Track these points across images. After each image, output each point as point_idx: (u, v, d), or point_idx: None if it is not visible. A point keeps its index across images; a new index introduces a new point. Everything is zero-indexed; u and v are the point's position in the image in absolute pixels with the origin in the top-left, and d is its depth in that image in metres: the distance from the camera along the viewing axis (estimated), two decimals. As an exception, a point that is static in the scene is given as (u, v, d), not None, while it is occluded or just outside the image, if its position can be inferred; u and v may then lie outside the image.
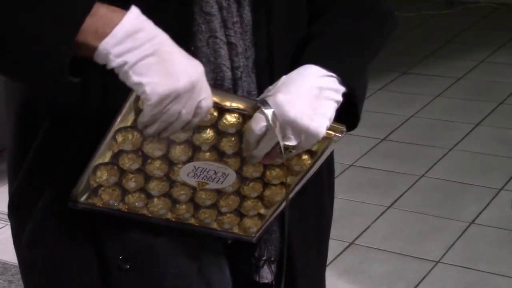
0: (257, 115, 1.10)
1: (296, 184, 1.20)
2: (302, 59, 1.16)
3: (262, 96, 1.12)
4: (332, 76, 1.14)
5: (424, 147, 3.75)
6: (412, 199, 3.28)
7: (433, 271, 2.79)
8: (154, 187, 1.14)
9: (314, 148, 1.16)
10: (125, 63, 1.00)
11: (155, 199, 1.15)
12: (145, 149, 1.10)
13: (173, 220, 1.19)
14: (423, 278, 2.75)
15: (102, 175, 1.11)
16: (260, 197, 1.20)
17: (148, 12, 1.06)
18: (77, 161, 1.13)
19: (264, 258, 1.27)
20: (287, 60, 1.19)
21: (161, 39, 1.01)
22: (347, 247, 2.95)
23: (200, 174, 1.13)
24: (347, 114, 1.18)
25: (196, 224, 1.20)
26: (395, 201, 3.26)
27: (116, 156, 1.10)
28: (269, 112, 1.09)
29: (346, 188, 3.27)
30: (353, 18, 1.22)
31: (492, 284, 2.71)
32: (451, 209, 3.18)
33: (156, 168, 1.12)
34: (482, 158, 3.61)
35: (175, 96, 1.00)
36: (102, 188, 1.13)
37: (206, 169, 1.13)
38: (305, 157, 1.16)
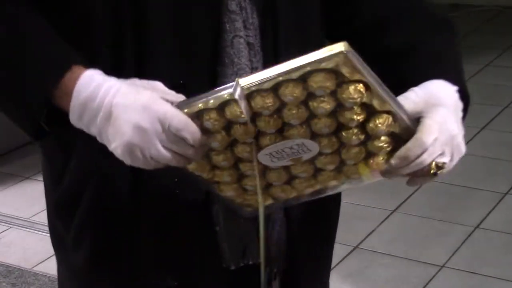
0: (428, 125, 1.06)
1: (333, 188, 1.17)
2: (424, 75, 1.13)
3: (406, 97, 1.08)
4: (458, 92, 1.14)
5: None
6: (417, 203, 3.27)
7: (437, 276, 2.78)
8: (247, 182, 1.13)
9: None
10: (95, 135, 1.05)
11: (273, 188, 1.15)
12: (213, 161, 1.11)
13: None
14: (428, 283, 2.74)
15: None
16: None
17: (181, 12, 1.06)
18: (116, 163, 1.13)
19: (275, 270, 1.25)
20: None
21: (110, 97, 1.03)
22: (352, 251, 2.94)
23: (281, 155, 1.09)
24: None
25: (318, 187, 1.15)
26: (400, 205, 3.26)
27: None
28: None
29: (351, 192, 3.24)
30: (429, 29, 1.21)
31: (497, 289, 2.70)
32: (456, 213, 3.17)
33: (230, 174, 1.12)
34: (487, 162, 3.60)
35: (133, 148, 1.02)
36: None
37: (279, 150, 1.08)
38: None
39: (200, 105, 1.03)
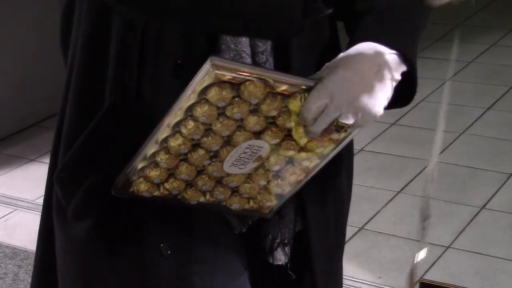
0: (315, 92, 1.08)
1: (314, 168, 1.20)
2: (359, 37, 1.13)
3: (318, 73, 1.10)
4: (393, 53, 1.11)
5: (434, 132, 3.72)
6: (422, 184, 3.26)
7: (443, 256, 2.78)
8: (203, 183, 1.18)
9: (335, 136, 1.15)
10: None
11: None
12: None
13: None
14: (434, 263, 2.74)
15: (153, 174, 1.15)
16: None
17: None
18: (127, 149, 1.15)
19: (278, 240, 1.27)
20: (304, 44, 1.18)
21: None
22: (357, 232, 2.94)
23: (243, 161, 1.14)
24: (402, 88, 1.14)
25: (210, 200, 1.20)
26: (405, 186, 3.25)
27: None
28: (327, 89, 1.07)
29: (356, 173, 3.24)
30: None
31: (502, 269, 2.70)
32: (462, 194, 3.17)
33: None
34: (493, 143, 3.59)
35: None
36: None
37: (237, 158, 1.13)
38: (325, 140, 1.15)
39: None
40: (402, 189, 3.23)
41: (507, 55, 4.60)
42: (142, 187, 1.15)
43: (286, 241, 1.27)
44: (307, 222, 1.26)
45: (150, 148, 1.12)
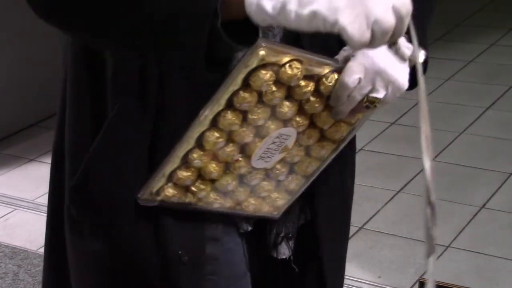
0: (350, 67, 1.10)
1: (328, 158, 1.21)
2: None
3: (338, 56, 1.12)
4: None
5: (433, 131, 3.70)
6: (422, 183, 3.26)
7: (443, 256, 2.78)
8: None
9: (353, 120, 1.17)
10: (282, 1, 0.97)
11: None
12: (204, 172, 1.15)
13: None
14: (433, 263, 2.74)
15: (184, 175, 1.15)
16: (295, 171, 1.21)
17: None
18: (138, 159, 1.15)
19: (282, 234, 1.28)
20: (314, 39, 1.18)
21: None
22: (357, 231, 2.94)
23: (270, 153, 1.15)
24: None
25: (231, 205, 1.20)
26: (405, 185, 3.25)
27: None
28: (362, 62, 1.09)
29: (356, 173, 3.26)
30: None
31: (502, 269, 2.70)
32: (461, 193, 3.17)
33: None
34: (492, 142, 3.60)
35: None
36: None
37: (265, 150, 1.14)
38: (343, 126, 1.18)
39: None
40: (402, 188, 3.23)
41: (507, 55, 4.60)
42: (171, 192, 1.15)
43: (290, 235, 1.28)
44: (316, 210, 1.27)
45: (183, 149, 1.12)
